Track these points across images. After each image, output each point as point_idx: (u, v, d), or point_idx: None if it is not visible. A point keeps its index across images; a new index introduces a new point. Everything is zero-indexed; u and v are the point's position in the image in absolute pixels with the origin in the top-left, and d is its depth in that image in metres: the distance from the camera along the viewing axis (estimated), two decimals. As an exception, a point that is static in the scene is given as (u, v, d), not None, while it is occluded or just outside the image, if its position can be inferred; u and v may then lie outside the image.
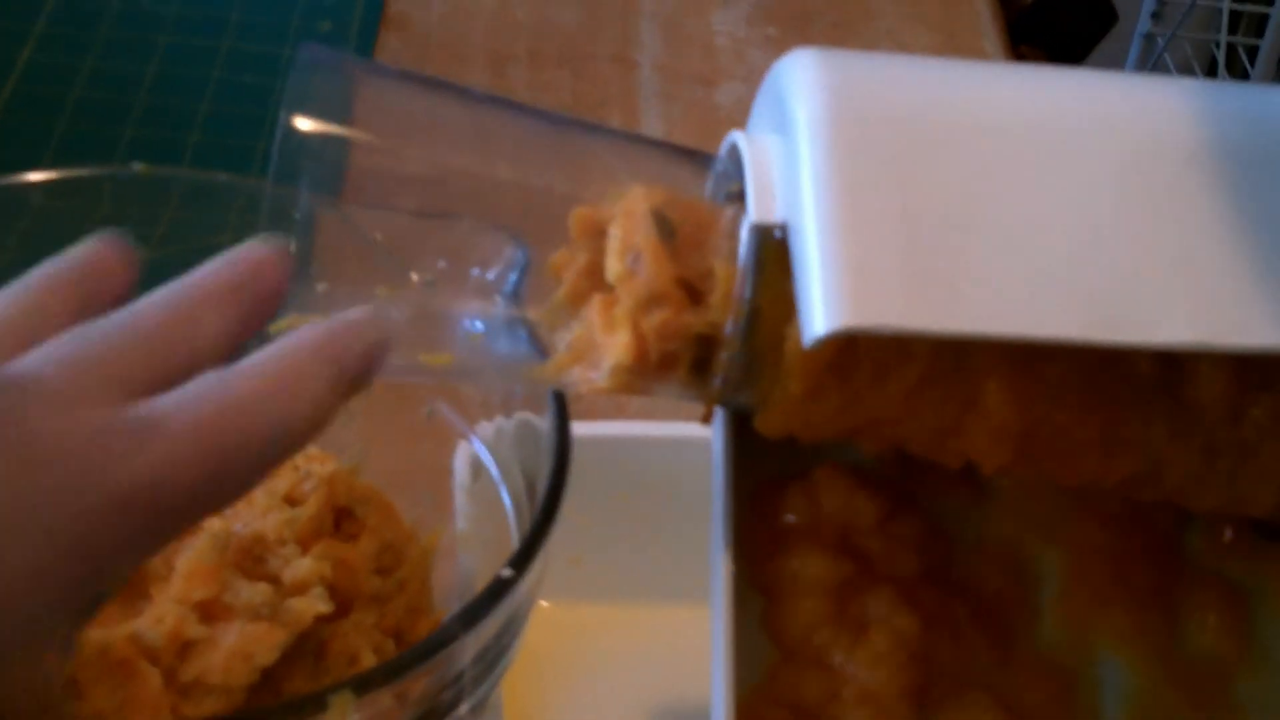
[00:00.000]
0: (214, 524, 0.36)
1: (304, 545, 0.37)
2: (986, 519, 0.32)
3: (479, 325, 0.30)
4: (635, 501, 0.47)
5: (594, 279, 0.29)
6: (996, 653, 0.31)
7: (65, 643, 0.23)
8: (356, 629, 0.37)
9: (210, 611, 0.35)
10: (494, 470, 0.39)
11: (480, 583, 0.32)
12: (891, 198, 0.26)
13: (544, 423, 0.36)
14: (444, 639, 0.30)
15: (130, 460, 0.23)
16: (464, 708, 0.32)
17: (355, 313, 0.27)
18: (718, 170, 0.30)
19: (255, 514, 0.37)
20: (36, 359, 0.24)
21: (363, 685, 0.29)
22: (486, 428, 0.40)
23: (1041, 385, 0.28)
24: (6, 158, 0.64)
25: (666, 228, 0.28)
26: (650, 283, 0.28)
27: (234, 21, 0.74)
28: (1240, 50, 1.02)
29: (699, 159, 0.31)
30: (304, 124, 0.28)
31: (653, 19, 0.79)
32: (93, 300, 0.27)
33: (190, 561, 0.35)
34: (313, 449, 0.39)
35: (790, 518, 0.31)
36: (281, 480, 0.39)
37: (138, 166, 0.41)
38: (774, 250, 0.27)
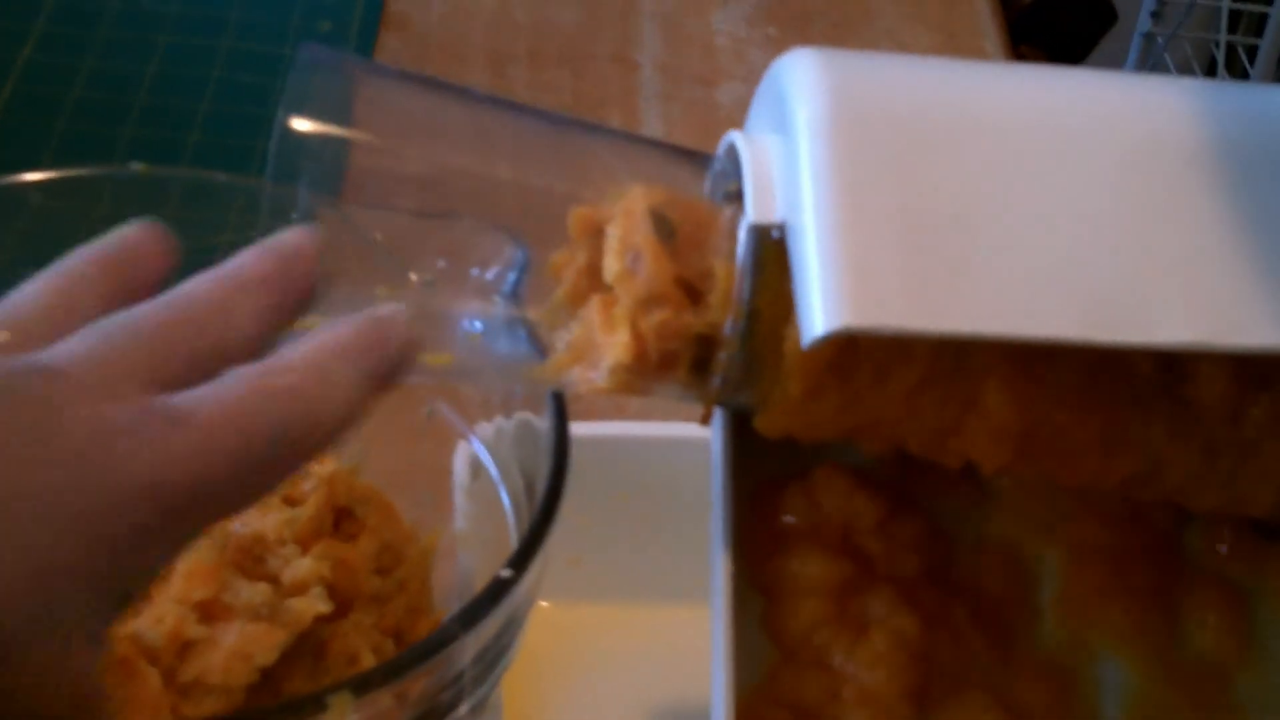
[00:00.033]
0: (213, 524, 0.36)
1: (303, 545, 0.37)
2: (986, 519, 0.32)
3: (478, 325, 0.30)
4: (634, 502, 0.47)
5: (593, 279, 0.29)
6: (996, 653, 0.31)
7: (94, 638, 0.23)
8: (356, 629, 0.37)
9: (210, 611, 0.35)
10: (493, 470, 0.39)
11: (480, 583, 0.32)
12: (891, 197, 0.26)
13: (543, 423, 0.36)
14: (443, 639, 0.30)
15: (157, 451, 0.23)
16: (464, 708, 0.32)
17: (386, 310, 0.27)
18: (716, 170, 0.30)
19: (255, 514, 0.37)
20: (67, 349, 0.24)
21: (362, 685, 0.29)
22: (486, 428, 0.39)
23: (1042, 385, 0.28)
24: (5, 157, 0.64)
25: (666, 227, 0.28)
26: (649, 282, 0.28)
27: (233, 21, 0.74)
28: (1240, 50, 1.02)
29: (698, 159, 0.31)
30: (303, 124, 0.28)
31: (653, 19, 0.79)
32: (129, 287, 0.26)
33: (190, 561, 0.35)
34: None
35: (790, 518, 0.31)
36: (281, 480, 0.39)
37: (137, 166, 0.41)
38: (773, 250, 0.27)
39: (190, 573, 0.35)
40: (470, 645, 0.31)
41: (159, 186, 0.41)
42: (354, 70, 0.30)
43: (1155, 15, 0.99)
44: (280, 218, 0.28)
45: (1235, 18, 1.05)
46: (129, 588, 0.23)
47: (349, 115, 0.29)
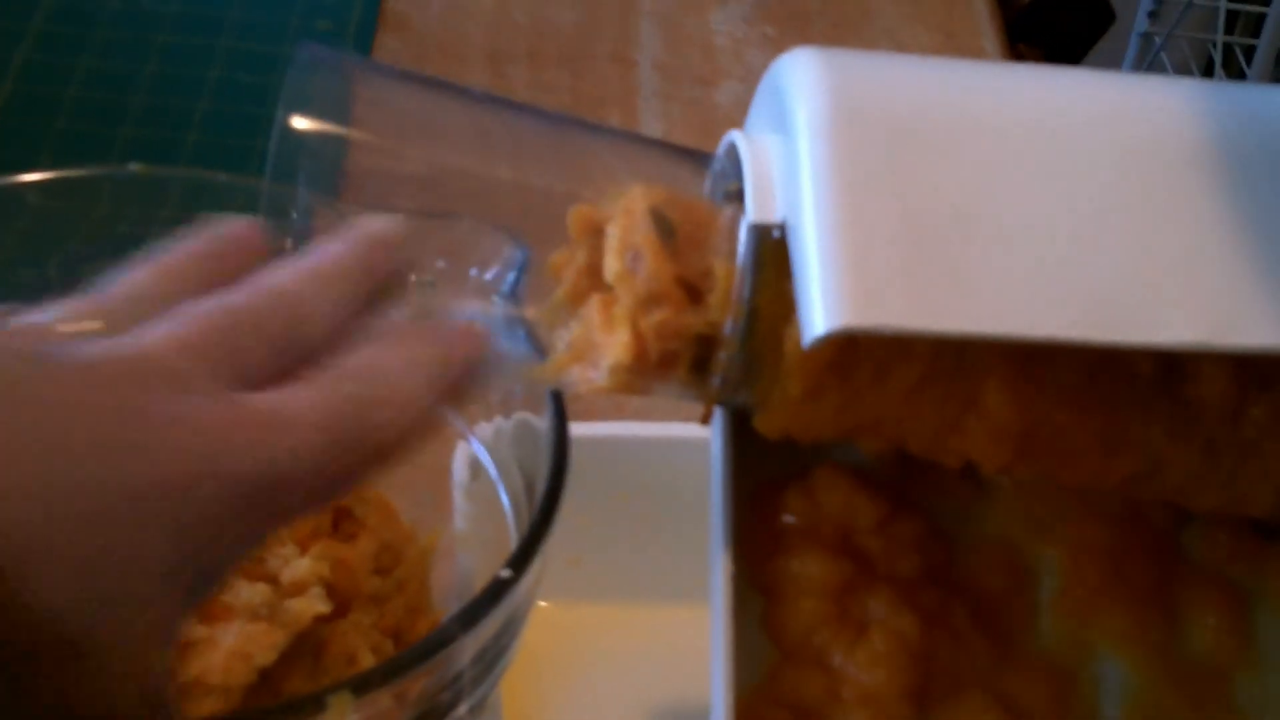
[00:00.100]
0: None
1: (302, 545, 0.37)
2: (986, 519, 0.32)
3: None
4: (634, 502, 0.47)
5: (593, 278, 0.29)
6: (996, 652, 0.31)
7: (165, 636, 0.23)
8: (355, 629, 0.37)
9: (209, 611, 0.35)
10: (493, 470, 0.39)
11: (479, 583, 0.32)
12: (891, 197, 0.26)
13: (543, 423, 0.36)
14: (443, 639, 0.30)
15: (253, 454, 0.23)
16: (463, 708, 0.32)
17: (467, 322, 0.27)
18: (715, 170, 0.30)
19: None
20: (153, 333, 0.24)
21: (361, 685, 0.29)
22: (485, 428, 0.39)
23: (1041, 385, 0.28)
24: (4, 157, 0.64)
25: (666, 227, 0.28)
26: (649, 282, 0.28)
27: (232, 21, 0.74)
28: (1237, 50, 1.02)
29: (697, 158, 0.31)
30: (301, 123, 0.28)
31: (652, 18, 0.79)
32: (223, 282, 0.26)
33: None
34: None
35: (790, 518, 0.31)
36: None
37: (135, 166, 0.41)
38: (773, 250, 0.27)
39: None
40: (469, 645, 0.31)
41: (158, 186, 0.41)
42: (353, 69, 0.30)
43: (1152, 15, 0.99)
44: (279, 217, 0.28)
45: (1232, 18, 1.05)
46: (201, 585, 0.23)
47: (348, 114, 0.29)
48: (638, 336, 0.28)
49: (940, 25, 0.80)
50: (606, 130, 0.32)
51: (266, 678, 0.34)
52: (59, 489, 0.21)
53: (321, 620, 0.36)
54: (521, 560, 0.32)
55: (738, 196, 0.28)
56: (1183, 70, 0.98)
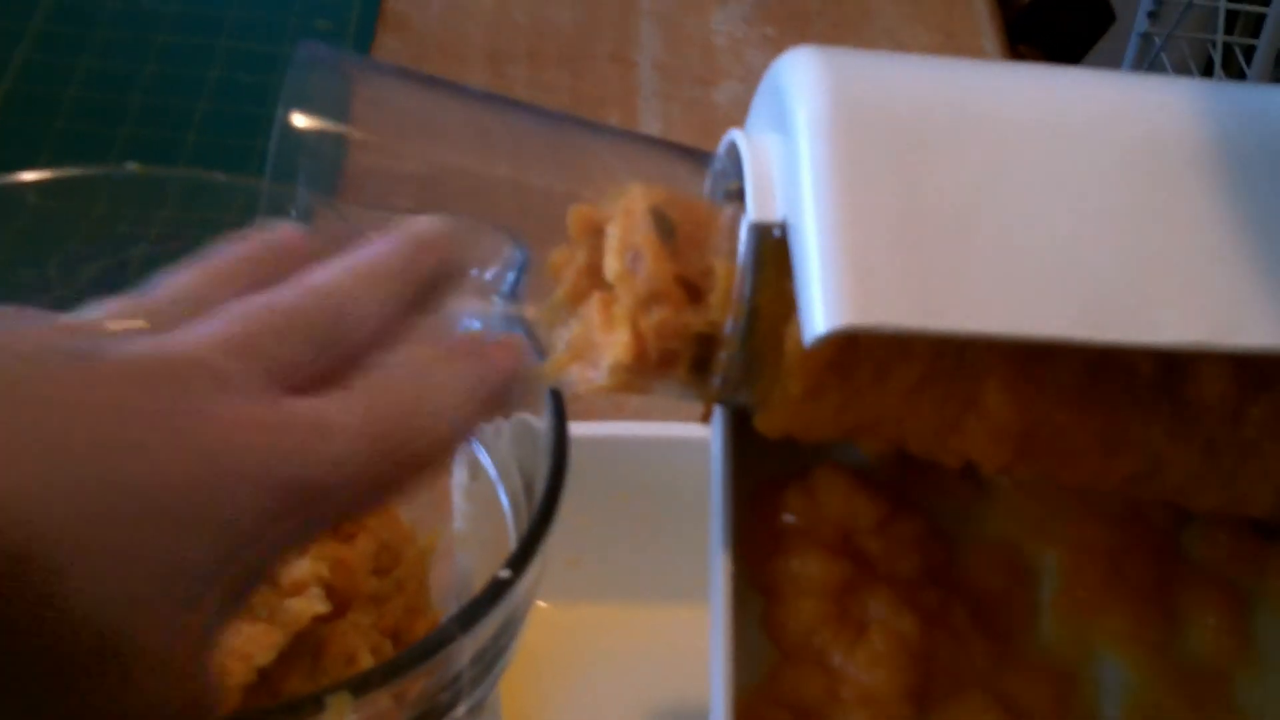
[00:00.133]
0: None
1: (301, 545, 0.37)
2: (986, 519, 0.32)
3: (477, 325, 0.30)
4: (634, 502, 0.47)
5: (593, 278, 0.29)
6: (996, 652, 0.31)
7: (207, 638, 0.22)
8: (354, 629, 0.36)
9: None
10: (492, 470, 0.39)
11: (478, 583, 0.32)
12: (892, 196, 0.26)
13: (542, 422, 0.36)
14: (442, 640, 0.30)
15: (294, 459, 0.23)
16: (462, 709, 0.32)
17: (507, 334, 0.27)
18: (716, 169, 0.30)
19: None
20: (198, 331, 0.24)
21: (360, 686, 0.29)
22: (484, 428, 0.39)
23: (1042, 385, 0.28)
24: (2, 157, 0.64)
25: (666, 226, 0.28)
26: (650, 281, 0.28)
27: (231, 20, 0.74)
28: (1236, 50, 1.02)
29: (697, 157, 0.31)
30: (301, 121, 0.28)
31: (651, 18, 0.79)
32: (269, 286, 0.26)
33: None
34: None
35: (790, 518, 0.31)
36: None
37: (133, 166, 0.41)
38: (773, 249, 0.27)
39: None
40: (469, 646, 0.31)
41: (156, 186, 0.41)
42: (352, 68, 0.30)
43: (1152, 15, 0.99)
44: (278, 215, 0.28)
45: (1232, 18, 1.05)
46: (239, 589, 0.23)
47: (348, 113, 0.29)
48: (638, 336, 0.28)
49: (940, 25, 0.80)
50: (606, 129, 0.32)
51: (265, 678, 0.34)
52: (96, 487, 0.21)
53: (320, 620, 0.36)
54: (521, 560, 0.32)
55: (738, 196, 0.28)
56: (1182, 70, 0.98)
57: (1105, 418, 0.29)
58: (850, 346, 0.27)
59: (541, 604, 0.46)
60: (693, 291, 0.28)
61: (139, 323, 0.25)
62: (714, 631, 0.29)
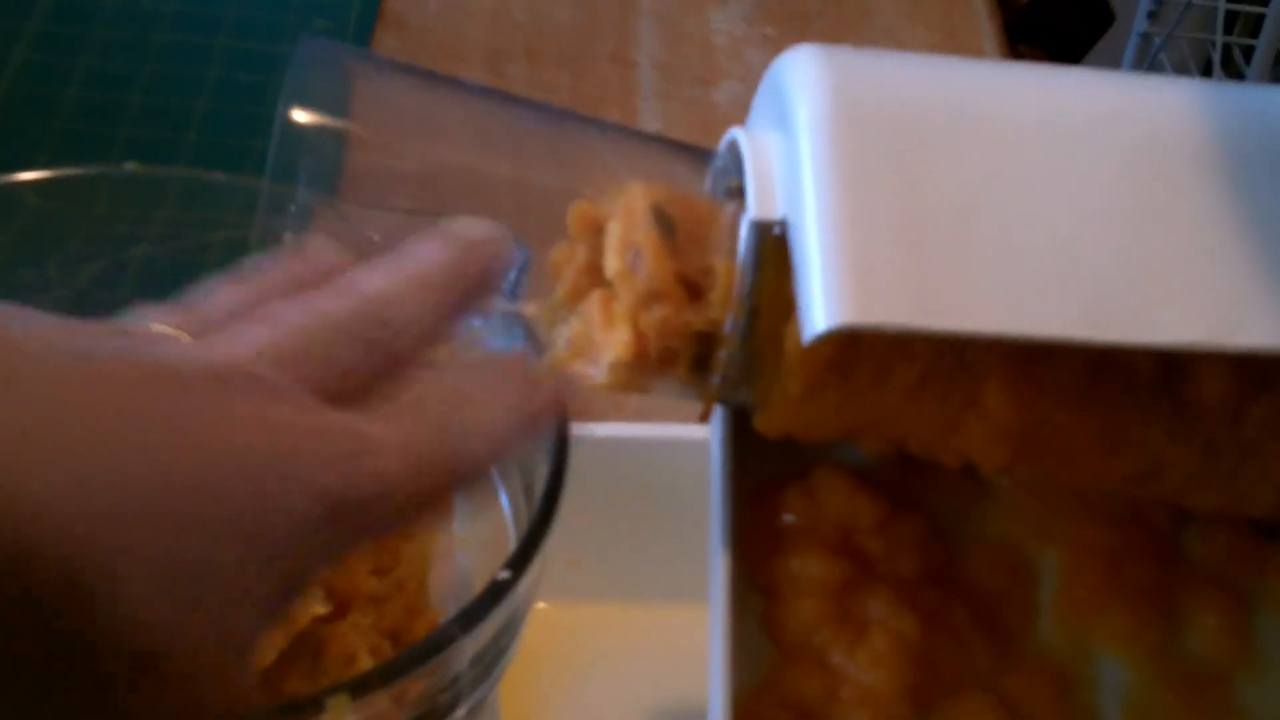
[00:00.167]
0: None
1: (301, 545, 0.37)
2: (986, 519, 0.32)
3: (477, 323, 0.30)
4: (633, 502, 0.47)
5: (593, 276, 0.29)
6: (996, 653, 0.31)
7: (244, 650, 0.22)
8: (354, 630, 0.36)
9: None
10: (491, 470, 0.39)
11: (478, 584, 0.32)
12: (892, 195, 0.26)
13: (542, 422, 0.36)
14: (442, 641, 0.30)
15: (335, 470, 0.22)
16: (462, 710, 0.32)
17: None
18: (717, 166, 0.30)
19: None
20: (241, 340, 0.23)
21: (360, 687, 0.29)
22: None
23: (1042, 385, 0.28)
24: (2, 157, 0.64)
25: (666, 224, 0.28)
26: (650, 279, 0.28)
27: (230, 20, 0.74)
28: (1236, 50, 1.02)
29: (698, 154, 0.31)
30: (302, 117, 0.28)
31: (651, 18, 0.79)
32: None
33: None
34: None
35: (790, 518, 0.31)
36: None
37: (132, 166, 0.41)
38: (774, 247, 0.27)
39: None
40: (468, 647, 0.31)
41: (156, 186, 0.41)
42: (352, 65, 0.30)
43: (1152, 16, 0.99)
44: (278, 213, 0.28)
45: (1231, 18, 1.05)
46: (279, 597, 0.22)
47: (348, 109, 0.29)
48: (638, 334, 0.28)
49: (940, 25, 0.80)
50: (607, 126, 0.32)
51: (265, 678, 0.34)
52: (138, 490, 0.20)
53: (320, 621, 0.36)
54: (520, 561, 0.32)
55: (739, 194, 0.28)
56: (1182, 70, 0.98)
57: (1105, 418, 0.29)
58: (850, 346, 0.27)
59: (541, 604, 0.46)
60: (693, 290, 0.28)
61: (182, 334, 0.25)
62: (714, 631, 0.29)
